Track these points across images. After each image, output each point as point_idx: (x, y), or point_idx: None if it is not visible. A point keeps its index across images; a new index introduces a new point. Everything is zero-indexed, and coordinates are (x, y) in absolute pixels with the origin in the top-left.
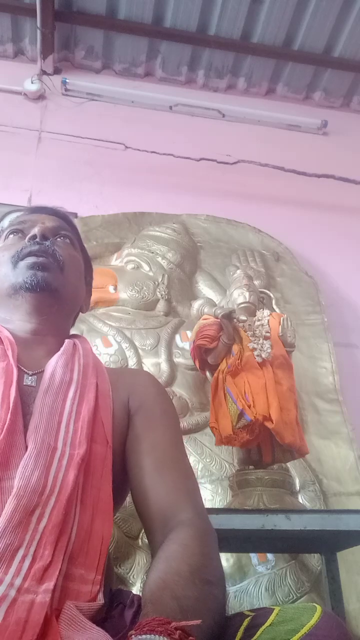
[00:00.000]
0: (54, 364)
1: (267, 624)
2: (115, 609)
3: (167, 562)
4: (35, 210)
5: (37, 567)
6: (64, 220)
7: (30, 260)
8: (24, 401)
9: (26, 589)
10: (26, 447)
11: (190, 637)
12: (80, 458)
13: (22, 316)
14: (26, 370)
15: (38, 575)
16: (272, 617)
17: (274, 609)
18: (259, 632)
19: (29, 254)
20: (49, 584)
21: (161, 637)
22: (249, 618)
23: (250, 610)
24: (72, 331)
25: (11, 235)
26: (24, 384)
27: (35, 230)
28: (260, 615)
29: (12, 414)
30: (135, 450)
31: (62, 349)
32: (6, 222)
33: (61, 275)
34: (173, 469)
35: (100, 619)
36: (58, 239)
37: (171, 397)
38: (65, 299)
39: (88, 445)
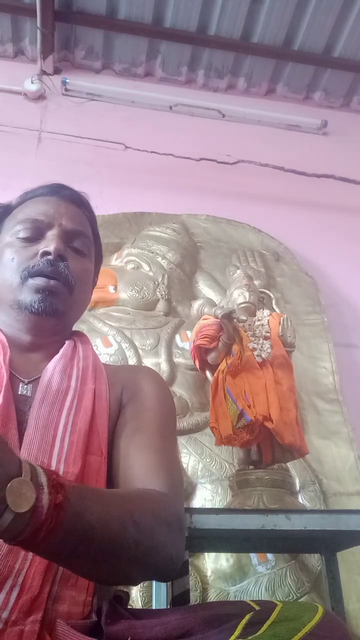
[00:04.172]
0: (52, 370)
1: (269, 621)
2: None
3: (116, 489)
4: (54, 193)
5: (24, 599)
6: (83, 208)
7: (40, 282)
8: (20, 410)
9: (14, 621)
10: None
11: (60, 495)
12: (74, 478)
13: (23, 329)
14: (21, 379)
15: (25, 608)
16: (274, 615)
17: (276, 604)
18: (262, 629)
19: (40, 274)
20: (37, 616)
21: (42, 472)
22: (251, 614)
23: (253, 601)
24: (73, 328)
25: (22, 232)
26: (19, 393)
27: (51, 247)
28: (262, 611)
29: (2, 426)
30: (120, 435)
31: (61, 352)
32: (21, 202)
33: (70, 298)
34: (154, 455)
35: (94, 628)
36: (72, 252)
37: (173, 399)
38: (71, 318)
39: (83, 462)
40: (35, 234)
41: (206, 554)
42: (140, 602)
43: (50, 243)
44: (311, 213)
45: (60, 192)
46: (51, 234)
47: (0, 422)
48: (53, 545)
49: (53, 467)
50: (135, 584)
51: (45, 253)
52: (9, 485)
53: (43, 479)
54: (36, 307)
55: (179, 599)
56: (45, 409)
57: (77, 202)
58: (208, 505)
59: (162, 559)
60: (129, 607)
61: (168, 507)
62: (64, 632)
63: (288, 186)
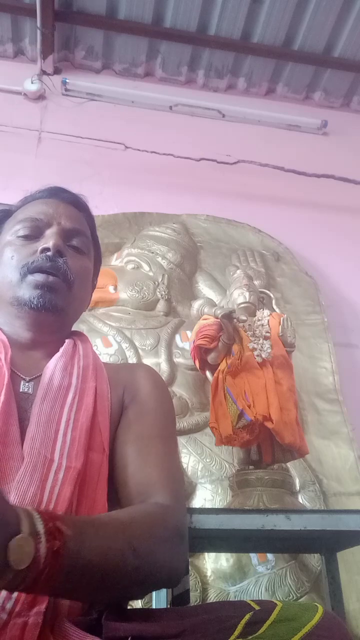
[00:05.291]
0: (53, 368)
1: (269, 621)
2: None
3: (116, 512)
4: (53, 195)
5: None
6: (82, 210)
7: (40, 278)
8: (21, 407)
9: (17, 613)
10: (23, 458)
11: (57, 542)
12: (76, 472)
13: (23, 326)
14: (22, 376)
15: (29, 599)
16: (274, 614)
17: (276, 604)
18: (262, 629)
19: (39, 270)
20: (40, 607)
21: (39, 518)
22: (250, 613)
23: (253, 601)
24: (73, 328)
25: (22, 230)
26: (20, 390)
27: (50, 243)
28: (262, 611)
29: (3, 423)
30: (122, 440)
31: (61, 350)
32: (21, 205)
33: (69, 294)
34: (157, 461)
35: (94, 626)
36: (72, 250)
37: (171, 397)
38: (70, 315)
39: (85, 457)
40: (35, 233)
41: (206, 554)
42: (140, 602)
43: (49, 240)
44: (311, 213)
45: (60, 195)
46: (50, 231)
47: (1, 419)
48: (53, 586)
49: (56, 462)
50: (139, 599)
51: (45, 249)
52: (10, 544)
53: (40, 527)
54: (35, 302)
55: (179, 599)
56: (47, 406)
57: (76, 204)
58: (208, 505)
59: (165, 575)
60: (128, 607)
61: (168, 522)
62: (65, 629)
63: (288, 186)
